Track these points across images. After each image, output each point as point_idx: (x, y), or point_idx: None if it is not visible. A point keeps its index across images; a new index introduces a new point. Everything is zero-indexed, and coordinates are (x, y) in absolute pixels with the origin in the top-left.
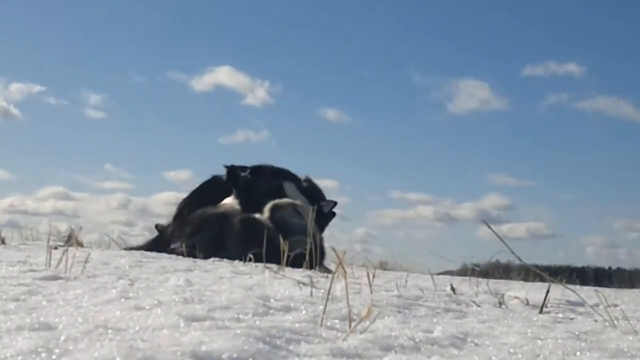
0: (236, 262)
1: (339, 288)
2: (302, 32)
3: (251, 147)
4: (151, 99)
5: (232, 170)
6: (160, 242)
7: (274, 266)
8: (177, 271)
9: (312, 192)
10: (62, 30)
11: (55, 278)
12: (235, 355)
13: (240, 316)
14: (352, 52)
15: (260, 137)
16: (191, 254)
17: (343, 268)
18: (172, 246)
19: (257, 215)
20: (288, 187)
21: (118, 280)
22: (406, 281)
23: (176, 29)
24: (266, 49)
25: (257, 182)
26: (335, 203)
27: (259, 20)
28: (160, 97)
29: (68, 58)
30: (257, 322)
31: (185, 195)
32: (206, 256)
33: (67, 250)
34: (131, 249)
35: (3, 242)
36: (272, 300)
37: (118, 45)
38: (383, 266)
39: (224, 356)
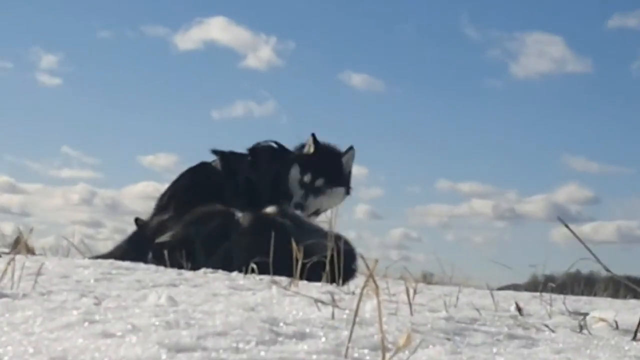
0: (235, 273)
1: (368, 308)
2: None
3: (253, 123)
4: (122, 61)
5: (226, 158)
6: (141, 240)
7: (283, 279)
8: (157, 286)
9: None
10: None
11: None
12: None
13: (240, 345)
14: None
15: (265, 110)
16: (185, 247)
17: (374, 282)
18: (160, 239)
19: (269, 209)
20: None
21: (80, 299)
22: (457, 299)
23: None
24: None
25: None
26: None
27: None
28: (133, 58)
29: (10, 6)
30: (262, 353)
31: (167, 186)
32: (207, 251)
33: (13, 259)
34: (98, 257)
35: None
36: (281, 324)
37: None
38: (427, 279)
39: None
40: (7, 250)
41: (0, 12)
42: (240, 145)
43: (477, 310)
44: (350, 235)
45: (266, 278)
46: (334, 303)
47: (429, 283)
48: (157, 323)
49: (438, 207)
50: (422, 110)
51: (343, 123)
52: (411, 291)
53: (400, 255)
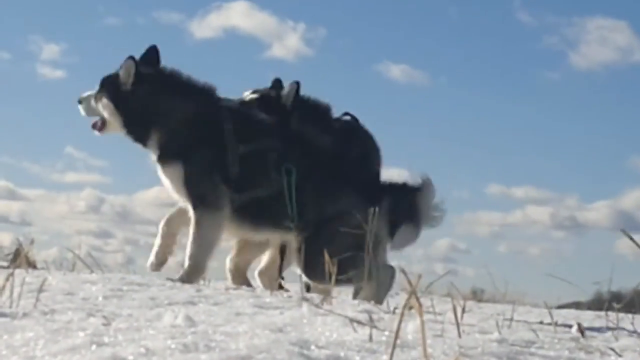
0: (259, 290)
1: (411, 329)
2: None
3: None
4: (132, 51)
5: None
6: None
7: (315, 297)
8: (173, 304)
9: None
10: None
11: None
12: None
13: None
14: None
15: None
16: None
17: (417, 299)
18: None
19: None
20: None
21: (88, 319)
22: (512, 318)
23: None
24: None
25: None
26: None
27: None
28: (144, 47)
29: None
30: None
31: None
32: None
33: (12, 273)
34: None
35: None
36: (313, 347)
37: None
38: (477, 296)
39: None
40: (5, 264)
41: None
42: None
43: (534, 331)
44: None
45: (296, 294)
46: (371, 323)
47: (479, 300)
48: (173, 346)
49: (489, 214)
50: (469, 106)
51: (381, 119)
52: (459, 310)
53: (446, 269)
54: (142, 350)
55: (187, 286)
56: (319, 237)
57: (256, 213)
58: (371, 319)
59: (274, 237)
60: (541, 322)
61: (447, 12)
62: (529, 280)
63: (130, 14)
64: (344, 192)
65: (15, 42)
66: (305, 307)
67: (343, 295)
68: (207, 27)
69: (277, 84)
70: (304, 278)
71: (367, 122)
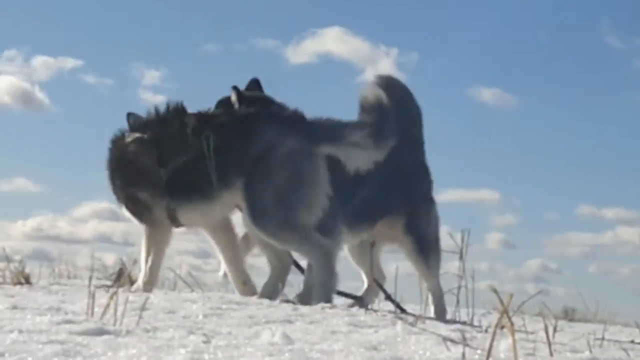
0: (355, 309)
1: (503, 347)
2: None
3: None
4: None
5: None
6: None
7: (408, 316)
8: (270, 322)
9: None
10: None
11: (100, 332)
12: None
13: None
14: (518, 5)
15: None
16: None
17: (509, 318)
18: None
19: None
20: None
21: (188, 336)
22: (603, 337)
23: None
24: (392, 2)
25: None
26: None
27: None
28: (241, 72)
29: (112, 21)
30: None
31: None
32: None
33: (116, 292)
34: None
35: (27, 281)
36: None
37: (182, 1)
38: (568, 315)
39: None
40: (109, 283)
41: (99, 28)
42: None
43: (625, 350)
44: (482, 266)
45: (390, 313)
46: (464, 342)
47: (571, 320)
48: None
49: (579, 235)
50: (559, 128)
51: (473, 142)
52: (550, 329)
53: (537, 288)
54: None
55: (284, 305)
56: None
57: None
58: (464, 338)
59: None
60: (632, 342)
61: (536, 36)
62: (620, 300)
63: (227, 41)
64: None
65: (118, 68)
66: (399, 325)
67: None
68: (302, 53)
69: (254, 84)
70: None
71: (460, 145)
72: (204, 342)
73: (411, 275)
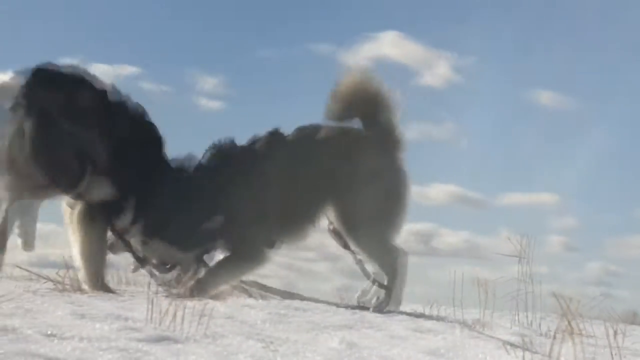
0: (414, 314)
1: (565, 352)
2: None
3: (431, 147)
4: (285, 81)
5: None
6: None
7: (468, 320)
8: (330, 327)
9: None
10: None
11: (160, 339)
12: None
13: None
14: (575, 5)
15: (444, 133)
16: None
17: (569, 323)
18: None
19: None
20: None
21: (248, 342)
22: None
23: None
24: (449, 7)
25: None
26: None
27: None
28: (297, 77)
29: (168, 28)
30: None
31: None
32: None
33: (177, 299)
34: None
35: None
36: None
37: (236, 7)
38: (632, 319)
39: None
40: (167, 288)
41: (156, 35)
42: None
43: None
44: (542, 270)
45: (449, 317)
46: (525, 346)
47: (633, 323)
48: None
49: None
50: (619, 128)
51: (532, 146)
52: (612, 333)
53: (599, 292)
54: None
55: (343, 309)
56: None
57: None
58: (524, 342)
59: None
60: None
61: (595, 37)
62: None
63: (283, 46)
64: None
65: (175, 75)
66: (459, 330)
67: (496, 319)
68: (359, 56)
69: None
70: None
71: (518, 147)
72: (264, 348)
73: (472, 280)
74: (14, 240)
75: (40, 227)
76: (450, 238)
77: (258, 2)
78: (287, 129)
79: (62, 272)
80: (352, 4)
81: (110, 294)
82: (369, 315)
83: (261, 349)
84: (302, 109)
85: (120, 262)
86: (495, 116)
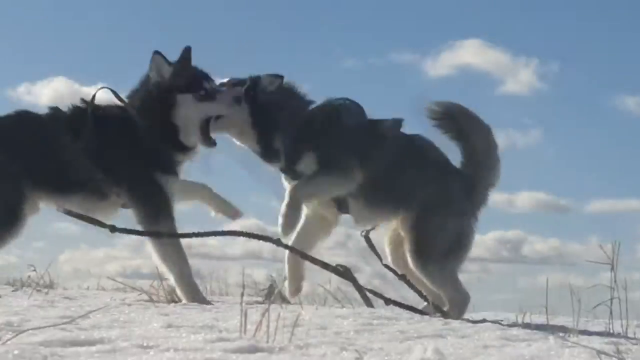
0: (506, 323)
1: None
2: None
3: (516, 154)
4: (368, 90)
5: None
6: None
7: (560, 329)
8: (422, 337)
9: None
10: (252, 11)
11: (254, 350)
12: None
13: None
14: None
15: (529, 140)
16: None
17: None
18: None
19: None
20: None
21: (341, 352)
22: None
23: None
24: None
25: None
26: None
27: None
28: (380, 86)
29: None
30: None
31: None
32: None
33: (268, 309)
34: None
35: (180, 299)
36: None
37: (321, 19)
38: None
39: None
40: (260, 299)
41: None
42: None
43: None
44: (635, 277)
45: (540, 326)
46: (619, 355)
47: None
48: None
49: None
50: None
51: (618, 151)
52: None
53: None
54: None
55: (434, 319)
56: None
57: None
58: (618, 351)
59: None
60: None
61: None
62: None
63: (365, 56)
64: None
65: None
66: (552, 339)
67: (590, 327)
68: (441, 65)
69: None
70: None
71: (608, 159)
72: (357, 359)
73: (563, 287)
74: (105, 252)
75: (132, 239)
76: (539, 245)
77: (341, 14)
78: None
79: (155, 284)
80: (434, 13)
81: (205, 305)
82: (460, 325)
83: None
84: (387, 115)
85: (212, 273)
86: (580, 122)
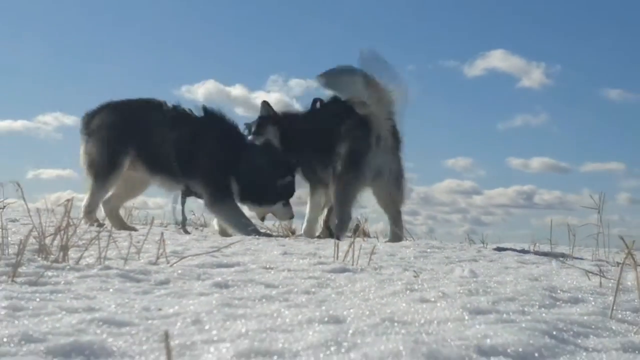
0: (522, 249)
1: (631, 278)
2: (589, 10)
3: (529, 132)
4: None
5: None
6: None
7: (560, 255)
8: (461, 261)
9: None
10: (335, 20)
11: (343, 270)
12: (520, 350)
13: (526, 308)
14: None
15: (539, 121)
16: None
17: (632, 256)
18: None
19: None
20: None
21: (403, 272)
22: None
23: (449, 16)
24: (540, 29)
25: None
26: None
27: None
28: (431, 87)
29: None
30: (544, 315)
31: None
32: None
33: (354, 242)
34: None
35: (293, 233)
36: (559, 291)
37: (374, 30)
38: None
39: (509, 350)
40: (349, 234)
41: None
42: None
43: None
44: (614, 217)
45: (545, 253)
46: (601, 274)
47: None
48: (461, 291)
49: None
50: None
51: (603, 130)
52: None
53: None
54: (440, 294)
55: (471, 248)
56: None
57: None
58: (601, 271)
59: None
60: None
61: None
62: None
63: (422, 62)
64: None
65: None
66: (554, 262)
67: (581, 254)
68: (476, 69)
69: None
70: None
71: (594, 133)
72: (414, 277)
73: (563, 225)
74: None
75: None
76: (546, 196)
77: (394, 24)
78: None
79: (276, 224)
80: (470, 31)
81: (309, 239)
82: (489, 252)
83: (413, 278)
84: (437, 109)
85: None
86: (578, 110)
